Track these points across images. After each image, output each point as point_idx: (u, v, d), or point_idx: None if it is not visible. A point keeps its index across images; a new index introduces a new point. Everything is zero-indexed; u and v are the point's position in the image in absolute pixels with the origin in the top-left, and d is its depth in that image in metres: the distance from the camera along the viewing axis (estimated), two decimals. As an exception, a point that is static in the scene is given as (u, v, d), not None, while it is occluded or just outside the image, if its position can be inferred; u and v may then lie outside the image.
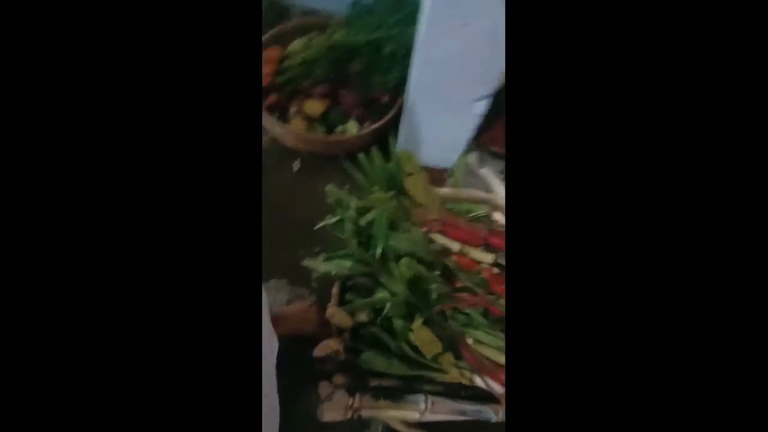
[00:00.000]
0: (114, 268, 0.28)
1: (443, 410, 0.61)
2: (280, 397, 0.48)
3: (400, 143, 0.86)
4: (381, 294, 0.64)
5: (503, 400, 0.61)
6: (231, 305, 0.29)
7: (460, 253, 0.69)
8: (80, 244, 0.27)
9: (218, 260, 0.29)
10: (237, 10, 0.30)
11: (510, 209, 0.30)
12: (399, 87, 0.84)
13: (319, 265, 0.67)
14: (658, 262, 0.26)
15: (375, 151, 0.73)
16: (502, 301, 0.67)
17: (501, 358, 0.62)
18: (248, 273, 0.30)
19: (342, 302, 0.68)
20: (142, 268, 0.28)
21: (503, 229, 0.73)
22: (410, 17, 0.72)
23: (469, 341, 0.63)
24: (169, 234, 0.29)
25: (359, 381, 0.61)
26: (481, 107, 0.73)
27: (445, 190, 0.76)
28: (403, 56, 0.82)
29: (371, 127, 0.86)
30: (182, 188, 0.29)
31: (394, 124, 0.85)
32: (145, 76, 0.28)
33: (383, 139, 0.80)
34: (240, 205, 0.30)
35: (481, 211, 0.72)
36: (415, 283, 0.63)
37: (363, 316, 0.66)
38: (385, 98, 0.89)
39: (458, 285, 0.67)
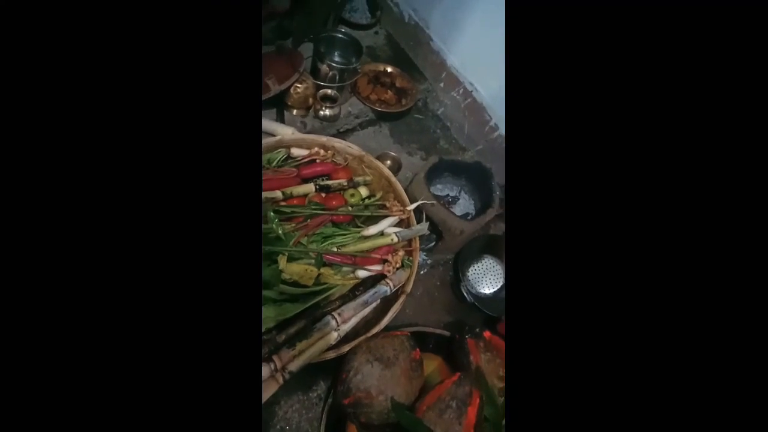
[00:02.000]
0: (114, 264, 0.28)
1: (351, 314, 0.65)
2: None
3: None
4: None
5: (387, 272, 0.70)
6: (231, 305, 0.30)
7: (286, 198, 0.74)
8: (79, 238, 0.27)
9: (217, 260, 0.30)
10: (237, 12, 0.30)
11: (510, 213, 0.33)
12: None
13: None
14: (653, 261, 0.29)
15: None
16: (342, 209, 0.75)
17: (362, 245, 0.70)
18: (248, 273, 0.31)
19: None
20: (138, 267, 0.28)
21: (305, 161, 0.80)
22: None
23: (334, 249, 0.69)
24: (173, 234, 0.29)
25: (268, 345, 0.61)
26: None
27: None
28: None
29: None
30: (182, 188, 0.29)
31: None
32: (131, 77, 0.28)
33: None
34: (239, 204, 0.31)
35: (280, 155, 0.77)
36: (264, 236, 0.66)
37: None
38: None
39: (299, 219, 0.72)
